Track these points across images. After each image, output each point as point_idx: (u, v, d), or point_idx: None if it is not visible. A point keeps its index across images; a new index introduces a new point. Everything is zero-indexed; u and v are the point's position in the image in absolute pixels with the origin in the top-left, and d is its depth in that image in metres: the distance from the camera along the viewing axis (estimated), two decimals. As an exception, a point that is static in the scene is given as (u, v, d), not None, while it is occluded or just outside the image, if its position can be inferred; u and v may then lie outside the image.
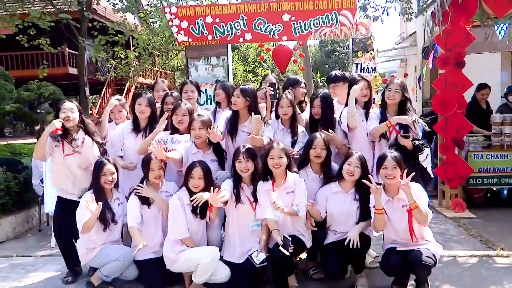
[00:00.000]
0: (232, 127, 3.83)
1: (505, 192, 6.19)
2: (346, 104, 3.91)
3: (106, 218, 3.48)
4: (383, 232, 3.43)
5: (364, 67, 5.64)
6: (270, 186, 3.44)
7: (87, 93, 10.55)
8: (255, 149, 3.53)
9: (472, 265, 3.92)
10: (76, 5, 8.62)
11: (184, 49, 13.84)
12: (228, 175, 3.68)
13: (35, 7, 9.96)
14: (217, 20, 5.84)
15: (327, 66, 27.20)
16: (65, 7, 9.26)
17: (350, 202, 3.47)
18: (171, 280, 3.55)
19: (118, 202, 3.68)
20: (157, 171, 3.54)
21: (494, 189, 6.23)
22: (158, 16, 11.06)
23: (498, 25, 5.51)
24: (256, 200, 3.48)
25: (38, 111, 11.54)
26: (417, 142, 3.69)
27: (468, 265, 3.93)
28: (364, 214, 3.43)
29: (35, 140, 12.52)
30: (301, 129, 3.96)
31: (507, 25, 5.48)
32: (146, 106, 3.89)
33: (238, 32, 5.85)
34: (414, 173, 3.26)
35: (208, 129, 3.61)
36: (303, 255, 3.91)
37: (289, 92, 3.97)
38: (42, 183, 5.28)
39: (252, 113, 3.71)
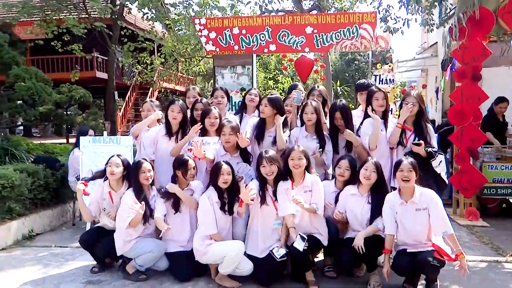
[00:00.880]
0: (260, 133, 4.15)
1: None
2: (365, 115, 4.21)
3: (146, 214, 3.83)
4: (396, 235, 3.67)
5: (383, 79, 5.89)
6: (290, 185, 3.75)
7: (116, 97, 11.05)
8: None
9: (481, 269, 4.13)
10: (109, 13, 9.11)
11: (207, 55, 14.39)
12: (249, 168, 4.00)
13: (71, 14, 10.51)
14: (244, 31, 6.18)
15: (347, 74, 27.32)
16: (98, 15, 9.77)
17: (364, 205, 3.74)
18: (198, 272, 3.89)
19: (155, 199, 4.02)
20: (192, 171, 3.88)
21: (511, 200, 6.37)
22: (184, 24, 11.51)
23: (514, 41, 5.71)
24: (277, 199, 3.78)
25: (69, 112, 12.07)
26: (429, 149, 3.94)
27: (477, 269, 4.14)
28: (375, 217, 3.70)
29: (64, 140, 13.14)
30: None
31: (523, 40, 5.67)
32: (179, 112, 4.25)
33: (263, 43, 6.19)
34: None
35: (238, 134, 3.94)
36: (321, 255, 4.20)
37: (315, 100, 4.28)
38: (78, 180, 5.68)
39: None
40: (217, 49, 6.31)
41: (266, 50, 6.26)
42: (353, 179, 3.89)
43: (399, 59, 15.86)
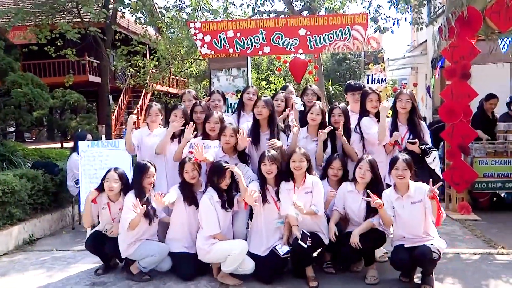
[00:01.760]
0: (255, 136, 4.25)
1: (510, 197, 6.51)
2: (361, 114, 4.35)
3: (149, 214, 3.92)
4: (393, 229, 3.80)
5: (375, 78, 6.03)
6: (291, 186, 3.86)
7: (110, 101, 11.09)
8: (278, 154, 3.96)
9: (474, 261, 4.27)
10: (103, 18, 9.16)
11: (200, 58, 14.43)
12: (247, 169, 4.11)
13: (64, 19, 10.53)
14: (238, 34, 6.29)
15: (338, 73, 27.57)
16: (91, 19, 9.81)
17: (361, 201, 3.86)
18: (200, 271, 3.98)
19: (153, 194, 4.09)
20: (191, 173, 3.97)
21: (502, 194, 6.54)
22: (177, 27, 11.59)
23: (502, 40, 5.87)
24: (279, 199, 3.90)
25: (63, 117, 12.07)
26: (423, 147, 4.08)
27: (470, 261, 4.29)
28: (370, 214, 3.82)
29: (58, 145, 13.13)
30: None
31: (510, 39, 5.83)
32: (181, 117, 4.34)
33: (258, 46, 6.30)
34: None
35: (237, 134, 4.06)
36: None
37: (321, 102, 4.41)
38: (77, 184, 5.75)
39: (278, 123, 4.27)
40: (212, 52, 6.41)
41: (260, 53, 6.38)
42: (346, 177, 4.04)
43: (390, 57, 16.05)
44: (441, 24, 5.71)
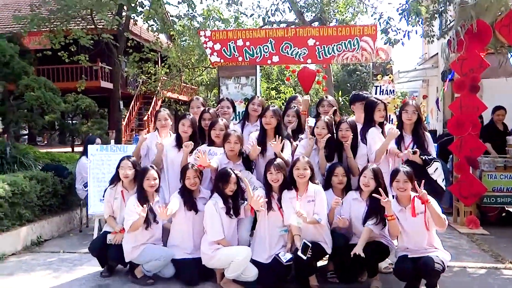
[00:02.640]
0: (262, 145, 4.26)
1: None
2: (366, 124, 4.36)
3: (148, 218, 3.95)
4: (398, 240, 3.79)
5: (383, 89, 6.05)
6: (294, 195, 3.88)
7: (121, 106, 11.24)
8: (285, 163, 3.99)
9: (481, 275, 4.23)
10: (116, 25, 9.33)
11: (211, 66, 14.57)
12: (250, 176, 4.14)
13: (78, 26, 10.75)
14: (247, 43, 6.37)
15: (348, 84, 27.54)
16: (104, 26, 10.00)
17: (365, 210, 3.86)
18: (204, 277, 4.00)
19: (158, 205, 4.14)
20: (192, 179, 4.00)
21: (511, 209, 6.48)
22: (188, 36, 11.74)
23: (511, 53, 5.86)
24: (282, 206, 3.91)
25: (74, 121, 12.27)
26: (425, 157, 4.07)
27: (476, 275, 4.24)
28: (367, 219, 3.80)
29: (69, 149, 13.31)
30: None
31: (520, 53, 5.82)
32: (189, 127, 4.39)
33: (267, 55, 6.37)
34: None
35: (241, 141, 4.10)
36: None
37: (327, 115, 4.44)
38: (85, 188, 5.83)
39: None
40: (222, 61, 6.49)
41: (269, 62, 6.44)
42: (349, 185, 4.05)
43: (400, 69, 16.05)
44: (450, 37, 5.72)
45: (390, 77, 6.04)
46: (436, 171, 4.09)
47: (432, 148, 4.36)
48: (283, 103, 18.08)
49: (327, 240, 3.90)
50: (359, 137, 4.40)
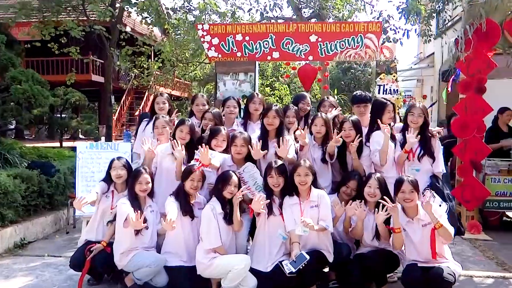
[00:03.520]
0: (264, 146, 4.03)
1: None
2: (371, 128, 4.14)
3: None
4: (405, 251, 3.57)
5: (386, 89, 5.83)
6: (296, 201, 3.66)
7: (113, 101, 10.89)
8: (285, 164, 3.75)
9: (488, 286, 4.05)
10: (108, 16, 8.99)
11: (206, 61, 14.24)
12: (255, 170, 3.89)
13: (69, 16, 10.37)
14: (247, 38, 6.09)
15: (343, 82, 27.36)
16: (96, 18, 9.65)
17: (373, 219, 3.64)
18: (198, 286, 3.73)
19: (150, 210, 3.88)
20: (196, 182, 3.75)
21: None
22: (183, 29, 11.42)
23: (519, 53, 5.68)
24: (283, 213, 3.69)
25: (63, 116, 11.89)
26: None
27: (484, 285, 4.06)
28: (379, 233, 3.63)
29: (57, 144, 12.92)
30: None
31: (528, 53, 5.64)
32: (187, 133, 4.12)
33: (266, 50, 6.10)
34: (432, 191, 3.47)
35: (250, 145, 3.87)
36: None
37: (324, 112, 4.22)
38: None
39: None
40: (220, 55, 6.21)
41: (269, 58, 6.18)
42: (359, 196, 3.82)
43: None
44: (458, 36, 5.51)
45: (394, 76, 5.83)
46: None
47: (440, 155, 4.17)
48: (277, 100, 17.86)
49: (329, 248, 3.69)
50: (363, 139, 4.18)
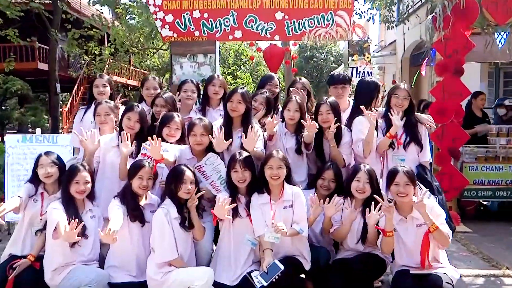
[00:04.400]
0: (227, 135, 3.44)
1: (496, 205, 6.07)
2: (352, 114, 3.63)
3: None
4: (394, 254, 3.10)
5: (360, 71, 5.36)
6: (267, 200, 3.09)
7: (58, 90, 9.89)
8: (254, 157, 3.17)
9: (480, 286, 3.66)
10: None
11: (162, 47, 13.35)
12: (219, 162, 3.29)
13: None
14: (205, 15, 5.43)
15: (305, 71, 27.07)
16: (36, -4, 8.64)
17: (359, 220, 3.15)
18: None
19: (90, 215, 3.20)
20: (145, 181, 3.10)
21: (485, 202, 6.08)
22: (136, 12, 10.53)
23: (498, 33, 5.34)
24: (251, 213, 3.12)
25: (3, 107, 10.73)
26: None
27: (475, 286, 3.67)
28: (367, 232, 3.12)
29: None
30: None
31: (507, 33, 5.31)
32: (137, 122, 3.44)
33: (228, 29, 5.46)
34: (427, 189, 3.00)
35: (212, 136, 3.24)
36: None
37: (299, 94, 3.66)
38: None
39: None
40: (175, 35, 5.51)
41: (231, 37, 5.55)
42: (339, 190, 3.30)
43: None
44: (435, 13, 5.09)
45: (367, 58, 5.36)
46: None
47: (427, 142, 3.75)
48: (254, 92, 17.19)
49: (305, 255, 3.16)
50: (344, 125, 3.67)
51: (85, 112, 4.06)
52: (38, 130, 4.88)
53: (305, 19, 5.38)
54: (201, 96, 4.21)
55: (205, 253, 3.25)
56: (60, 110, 13.08)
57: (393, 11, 12.39)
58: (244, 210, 3.13)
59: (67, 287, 2.98)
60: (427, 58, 6.10)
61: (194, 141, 3.30)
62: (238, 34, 5.48)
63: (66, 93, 18.78)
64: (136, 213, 3.08)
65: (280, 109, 3.91)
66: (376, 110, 3.63)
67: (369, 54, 5.45)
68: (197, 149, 3.33)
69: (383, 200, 2.91)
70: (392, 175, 3.01)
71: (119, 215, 2.96)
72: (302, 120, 3.41)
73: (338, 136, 3.53)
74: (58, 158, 3.31)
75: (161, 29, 5.52)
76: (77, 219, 2.85)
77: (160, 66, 19.11)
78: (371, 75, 5.37)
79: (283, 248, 3.08)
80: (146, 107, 4.00)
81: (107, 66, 13.27)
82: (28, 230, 3.25)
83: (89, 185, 3.15)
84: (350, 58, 5.51)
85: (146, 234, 3.12)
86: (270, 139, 3.52)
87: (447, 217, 3.17)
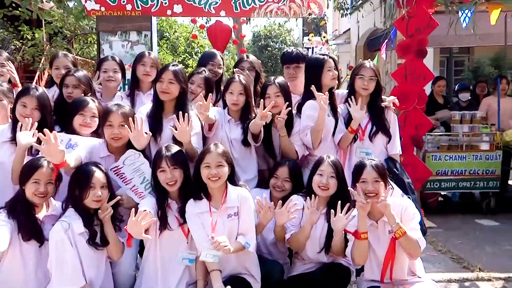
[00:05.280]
0: (156, 124, 2.78)
1: (457, 195, 5.79)
2: (305, 96, 3.04)
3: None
4: (364, 270, 2.55)
5: (316, 52, 4.77)
6: (206, 208, 2.43)
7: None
8: (185, 150, 2.51)
9: (454, 293, 3.22)
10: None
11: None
12: (142, 161, 2.61)
13: None
14: (138, -15, 4.67)
15: (260, 61, 26.61)
16: None
17: (323, 224, 2.59)
18: None
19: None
20: (42, 187, 2.36)
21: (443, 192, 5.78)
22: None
23: (463, 11, 4.95)
24: (185, 222, 2.46)
25: None
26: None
27: (449, 293, 3.23)
28: (331, 238, 2.56)
29: None
30: None
31: (471, 11, 4.93)
32: (35, 109, 2.65)
33: (165, 3, 4.77)
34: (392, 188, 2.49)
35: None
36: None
37: (243, 74, 3.02)
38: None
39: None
40: (102, 8, 4.75)
41: (169, 12, 4.86)
42: (297, 189, 2.72)
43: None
44: (398, -12, 4.62)
45: (324, 37, 4.81)
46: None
47: (397, 131, 3.24)
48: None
49: (253, 272, 2.57)
50: (294, 111, 3.08)
51: None
52: None
53: (255, -7, 4.76)
54: (126, 77, 3.48)
55: (125, 275, 2.56)
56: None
57: (347, -2, 12.09)
58: (175, 220, 2.48)
59: None
60: (386, 40, 5.64)
61: (110, 134, 2.58)
62: (177, 8, 4.79)
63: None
64: (30, 230, 2.33)
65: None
66: (333, 90, 3.06)
67: (326, 33, 4.90)
68: (114, 145, 2.62)
69: (359, 195, 2.35)
70: (358, 170, 2.47)
71: (2, 235, 2.19)
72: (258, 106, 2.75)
73: (289, 124, 2.93)
74: None
75: (86, 2, 4.69)
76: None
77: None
78: (328, 56, 4.82)
79: (226, 265, 2.46)
80: (56, 90, 3.23)
81: (44, 53, 12.01)
82: None
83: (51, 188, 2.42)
84: (305, 37, 4.92)
85: (46, 256, 2.37)
86: (209, 129, 2.86)
87: (421, 220, 2.65)
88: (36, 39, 11.23)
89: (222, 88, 3.51)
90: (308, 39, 4.84)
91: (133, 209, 2.24)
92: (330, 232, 2.56)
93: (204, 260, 2.33)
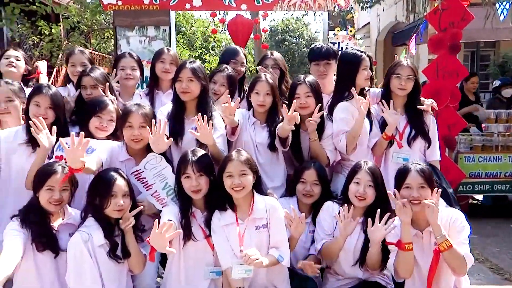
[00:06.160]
0: (177, 126, 2.59)
1: (490, 199, 5.49)
2: (337, 95, 2.81)
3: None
4: (405, 283, 2.34)
5: (342, 47, 4.55)
6: (231, 219, 2.25)
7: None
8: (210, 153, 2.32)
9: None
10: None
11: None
12: (164, 165, 2.44)
13: None
14: (157, -22, 4.52)
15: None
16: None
17: (359, 233, 2.39)
18: None
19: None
20: (57, 193, 2.19)
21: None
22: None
23: (500, 3, 4.65)
24: (211, 235, 2.29)
25: None
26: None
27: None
28: (367, 250, 2.36)
29: None
30: None
31: (510, 3, 4.62)
32: (48, 108, 2.50)
33: (184, -4, 4.57)
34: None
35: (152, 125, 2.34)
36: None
37: (269, 73, 2.81)
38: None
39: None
40: (119, 2, 4.59)
41: (188, 6, 4.72)
42: (326, 195, 2.52)
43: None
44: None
45: (351, 31, 4.56)
46: None
47: (436, 137, 2.99)
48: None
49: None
50: (325, 112, 2.85)
51: None
52: None
53: (278, -15, 4.55)
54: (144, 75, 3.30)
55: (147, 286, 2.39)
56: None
57: (368, -9, 11.73)
58: (200, 230, 2.29)
59: None
60: (415, 34, 5.36)
61: (130, 136, 2.41)
62: (197, 2, 4.64)
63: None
64: (44, 240, 2.17)
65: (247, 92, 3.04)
66: (365, 94, 2.82)
67: (353, 27, 4.65)
68: (134, 147, 2.45)
69: (397, 197, 2.15)
70: (401, 175, 2.26)
71: (16, 243, 2.05)
72: (283, 108, 2.53)
73: (320, 127, 2.71)
74: None
75: (103, -5, 4.55)
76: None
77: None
78: (356, 51, 4.58)
79: (255, 282, 2.26)
80: (72, 89, 3.08)
81: (62, 48, 11.99)
82: None
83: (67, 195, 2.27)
84: (330, 32, 4.68)
85: (62, 267, 2.21)
86: (232, 132, 2.67)
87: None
88: (53, 34, 11.20)
89: (245, 87, 3.33)
90: (334, 34, 4.59)
91: (156, 220, 2.05)
92: (366, 243, 2.36)
93: (235, 278, 2.13)
